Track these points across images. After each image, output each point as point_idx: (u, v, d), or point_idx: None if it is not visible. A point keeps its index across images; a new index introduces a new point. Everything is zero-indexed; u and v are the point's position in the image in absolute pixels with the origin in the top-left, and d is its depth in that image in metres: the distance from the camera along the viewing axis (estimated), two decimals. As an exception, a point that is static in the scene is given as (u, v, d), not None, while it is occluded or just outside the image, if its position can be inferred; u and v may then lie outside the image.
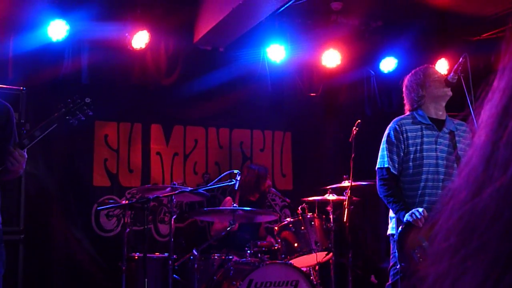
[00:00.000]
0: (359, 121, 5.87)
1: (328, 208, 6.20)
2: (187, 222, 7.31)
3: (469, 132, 4.41)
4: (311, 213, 6.01)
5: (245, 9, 6.26)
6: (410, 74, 4.54)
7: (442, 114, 4.36)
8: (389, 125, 4.36)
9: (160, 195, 5.69)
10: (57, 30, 6.39)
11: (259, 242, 6.02)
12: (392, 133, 4.28)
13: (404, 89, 4.49)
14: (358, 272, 7.21)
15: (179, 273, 5.65)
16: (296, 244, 5.76)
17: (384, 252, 7.14)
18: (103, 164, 7.10)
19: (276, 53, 7.32)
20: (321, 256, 5.82)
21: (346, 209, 5.86)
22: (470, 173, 0.67)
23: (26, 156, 3.57)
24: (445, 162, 4.21)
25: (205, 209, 6.33)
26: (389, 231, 4.31)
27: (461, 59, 4.41)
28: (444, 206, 0.69)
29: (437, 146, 4.22)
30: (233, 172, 5.38)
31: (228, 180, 5.29)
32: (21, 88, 5.62)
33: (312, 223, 5.82)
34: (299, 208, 6.10)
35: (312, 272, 5.94)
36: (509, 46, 0.70)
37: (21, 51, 6.40)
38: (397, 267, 4.00)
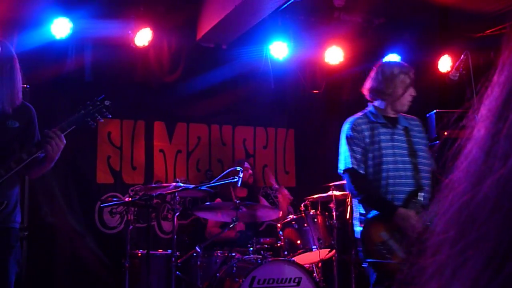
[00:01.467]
0: (362, 118, 5.85)
1: (331, 205, 6.20)
2: (190, 219, 7.33)
3: (421, 126, 4.42)
4: (314, 210, 6.02)
5: (247, 6, 6.27)
6: (392, 62, 4.51)
7: (395, 113, 4.30)
8: (345, 126, 4.24)
9: (163, 192, 5.71)
10: (60, 28, 6.41)
11: (262, 239, 6.04)
12: (351, 133, 4.17)
13: (377, 75, 4.33)
14: (361, 269, 7.21)
15: (182, 270, 5.67)
16: (299, 241, 5.77)
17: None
18: (107, 161, 7.13)
19: (279, 50, 7.33)
20: (324, 253, 5.83)
21: (349, 206, 5.87)
22: (470, 165, 0.68)
23: (65, 141, 3.57)
24: (402, 158, 4.16)
25: (208, 203, 6.34)
26: (357, 230, 4.21)
27: (462, 56, 4.40)
28: (442, 198, 0.70)
29: (394, 143, 4.17)
30: (236, 169, 5.40)
31: (231, 177, 5.31)
32: (25, 85, 5.61)
33: (315, 220, 5.83)
34: (302, 205, 6.11)
35: (315, 269, 5.95)
36: (509, 42, 0.71)
37: (24, 48, 6.39)
38: (364, 265, 4.01)
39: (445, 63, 7.87)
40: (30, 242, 5.69)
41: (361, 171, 4.10)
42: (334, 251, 5.94)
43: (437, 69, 7.93)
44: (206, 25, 7.06)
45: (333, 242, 5.84)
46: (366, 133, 4.16)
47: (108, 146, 7.16)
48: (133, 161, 7.27)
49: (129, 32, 6.80)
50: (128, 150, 7.26)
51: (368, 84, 4.38)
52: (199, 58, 7.48)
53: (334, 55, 7.69)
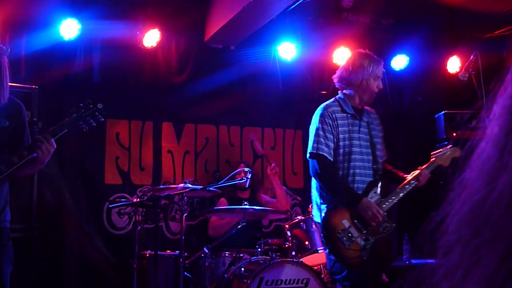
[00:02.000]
0: (370, 119, 5.84)
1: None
2: (198, 220, 7.33)
3: (379, 119, 4.55)
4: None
5: (256, 7, 6.26)
6: (363, 53, 4.47)
7: (361, 104, 4.40)
8: (320, 111, 4.30)
9: (171, 193, 5.71)
10: (69, 29, 6.42)
11: (269, 240, 6.03)
12: (326, 120, 4.24)
13: (347, 65, 4.41)
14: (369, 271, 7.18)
15: (190, 271, 5.67)
16: (307, 242, 5.75)
17: (395, 251, 7.12)
18: (115, 162, 7.14)
19: (287, 51, 7.32)
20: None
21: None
22: (484, 163, 0.68)
23: (55, 146, 3.54)
24: (366, 150, 4.31)
25: (215, 208, 6.35)
26: (317, 219, 4.30)
27: (471, 57, 4.40)
28: (454, 198, 0.70)
29: (360, 135, 4.31)
30: (244, 170, 5.39)
31: (239, 178, 5.30)
32: (34, 86, 5.66)
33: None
34: (310, 206, 6.09)
35: (323, 270, 5.93)
36: None
37: (33, 50, 6.43)
38: (326, 251, 4.12)
39: (454, 64, 7.84)
40: (38, 242, 5.70)
41: (330, 159, 4.17)
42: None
43: (446, 70, 7.90)
44: (214, 26, 7.06)
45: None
46: (340, 122, 4.26)
47: (117, 147, 7.17)
48: (141, 162, 7.28)
49: (138, 33, 6.81)
50: (136, 151, 7.28)
51: (338, 73, 4.46)
52: (207, 59, 7.48)
53: (342, 56, 7.66)
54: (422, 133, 7.76)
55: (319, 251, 5.66)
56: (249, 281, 5.09)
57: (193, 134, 7.59)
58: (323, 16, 7.61)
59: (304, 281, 5.23)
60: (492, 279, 0.60)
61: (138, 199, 6.03)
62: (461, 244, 0.65)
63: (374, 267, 4.17)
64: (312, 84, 7.96)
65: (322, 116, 4.25)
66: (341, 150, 4.22)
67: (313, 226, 5.73)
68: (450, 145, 4.63)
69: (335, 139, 4.20)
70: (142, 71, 7.14)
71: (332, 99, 4.42)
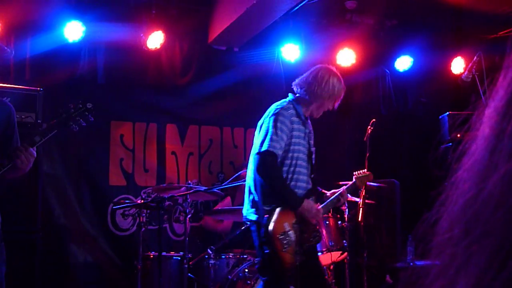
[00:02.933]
0: (374, 120, 5.84)
1: (343, 207, 6.18)
2: (202, 222, 7.34)
3: (312, 131, 4.55)
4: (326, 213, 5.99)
5: (259, 9, 6.27)
6: (336, 74, 4.46)
7: (309, 114, 4.45)
8: (279, 111, 4.25)
9: (175, 195, 5.73)
10: (73, 31, 6.44)
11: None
12: (284, 121, 4.21)
13: (318, 75, 4.40)
14: (373, 272, 7.18)
15: (194, 272, 5.68)
16: (311, 244, 5.74)
17: (400, 252, 7.12)
18: (119, 164, 7.16)
19: (291, 52, 7.32)
20: (335, 256, 5.81)
21: (361, 209, 5.84)
22: (475, 164, 0.70)
23: (35, 154, 3.53)
24: (307, 158, 4.36)
25: (219, 208, 6.35)
26: (251, 217, 4.26)
27: (475, 57, 4.40)
28: (447, 198, 0.71)
29: (304, 143, 4.35)
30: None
31: (243, 180, 5.31)
32: (38, 88, 5.68)
33: (327, 222, 5.81)
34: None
35: (326, 271, 5.93)
36: None
37: (38, 52, 6.46)
38: (266, 251, 4.08)
39: (458, 65, 7.83)
40: (43, 244, 5.72)
41: (278, 160, 4.17)
42: (346, 253, 5.92)
43: (450, 71, 7.89)
44: (218, 27, 7.07)
45: (345, 244, 5.82)
46: (295, 126, 4.27)
47: (121, 149, 7.19)
48: (145, 163, 7.30)
49: (141, 35, 6.83)
50: (140, 153, 7.29)
51: (304, 78, 4.45)
52: (211, 60, 7.49)
53: (346, 57, 7.67)
54: (426, 134, 7.76)
55: (325, 252, 5.65)
56: (252, 283, 5.10)
57: (197, 135, 7.60)
58: (327, 18, 7.61)
59: (308, 282, 5.22)
60: (482, 276, 0.61)
61: (142, 201, 6.04)
62: (452, 243, 0.67)
63: (302, 272, 4.18)
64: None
65: (282, 116, 4.22)
66: (290, 154, 4.23)
67: (317, 227, 5.72)
68: (366, 170, 4.88)
69: (287, 142, 4.21)
70: (146, 73, 7.17)
71: (286, 101, 4.39)
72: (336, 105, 4.46)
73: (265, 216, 4.07)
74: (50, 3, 6.45)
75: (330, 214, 5.95)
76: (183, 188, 5.83)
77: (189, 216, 5.68)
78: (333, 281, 5.93)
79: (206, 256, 5.67)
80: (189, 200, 5.67)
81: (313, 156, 4.51)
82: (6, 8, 6.23)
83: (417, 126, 8.23)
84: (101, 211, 6.97)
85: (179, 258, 5.71)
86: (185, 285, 5.47)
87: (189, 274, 5.54)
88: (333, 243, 5.70)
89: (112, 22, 6.68)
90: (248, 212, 4.26)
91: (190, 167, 7.51)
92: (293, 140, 4.23)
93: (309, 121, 4.49)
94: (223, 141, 7.72)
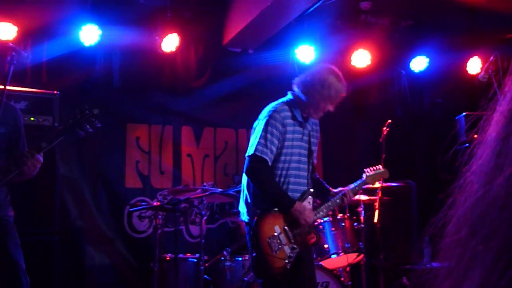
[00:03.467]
0: (389, 121, 5.83)
1: (359, 209, 6.17)
2: (218, 223, 7.35)
3: (319, 126, 4.51)
4: (341, 214, 5.98)
5: (274, 11, 6.28)
6: (336, 73, 4.34)
7: (308, 114, 4.34)
8: (271, 114, 4.20)
9: (191, 197, 5.75)
10: (89, 35, 6.49)
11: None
12: (277, 125, 4.16)
13: (318, 74, 4.30)
14: (390, 274, 7.16)
15: (210, 274, 5.69)
16: (326, 245, 5.74)
17: (416, 254, 7.08)
18: (135, 166, 7.19)
19: (306, 54, 7.32)
20: (352, 258, 5.80)
21: (377, 210, 5.83)
22: (481, 166, 0.71)
23: (42, 160, 3.55)
24: (304, 159, 4.28)
25: (235, 210, 6.36)
26: (244, 218, 4.24)
27: (491, 57, 4.35)
28: (455, 201, 0.72)
29: (301, 144, 4.27)
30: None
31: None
32: (55, 92, 5.73)
33: (343, 224, 5.79)
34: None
35: (342, 273, 5.92)
36: None
37: (54, 55, 6.52)
38: (253, 254, 4.07)
39: (474, 65, 7.78)
40: (60, 246, 5.76)
41: (269, 164, 4.12)
42: (362, 255, 5.90)
43: (466, 71, 7.83)
44: (233, 30, 7.09)
45: (361, 246, 5.80)
46: (288, 129, 4.20)
47: (137, 151, 7.23)
48: (161, 165, 7.33)
49: (157, 38, 6.86)
50: (156, 155, 7.32)
51: (302, 77, 4.36)
52: (226, 62, 7.51)
53: (361, 58, 7.65)
54: (442, 135, 7.71)
55: (341, 254, 5.65)
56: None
57: (212, 137, 7.62)
58: (342, 19, 7.60)
59: (324, 285, 5.22)
60: (488, 276, 0.62)
61: (158, 203, 6.08)
62: (460, 245, 0.67)
63: (295, 277, 4.15)
64: (331, 87, 7.94)
65: (274, 119, 4.16)
66: (283, 157, 4.18)
67: (333, 229, 5.72)
68: (381, 167, 4.72)
69: (279, 146, 4.16)
70: (162, 76, 7.21)
71: (282, 101, 4.33)
72: (334, 107, 4.33)
73: (254, 218, 4.06)
74: (66, 7, 6.51)
75: (346, 216, 5.94)
76: (198, 190, 5.85)
77: (204, 218, 5.70)
78: (349, 283, 5.91)
79: (222, 258, 5.69)
80: (205, 202, 5.70)
81: (314, 154, 4.42)
82: (23, 13, 6.29)
83: (433, 127, 8.19)
84: (118, 213, 7.01)
85: (195, 260, 5.73)
86: (201, 287, 5.48)
87: (205, 276, 5.56)
88: (349, 245, 5.69)
89: (127, 25, 6.73)
90: (242, 213, 4.27)
91: (205, 169, 7.53)
92: (286, 143, 4.17)
93: (311, 120, 4.40)
94: (238, 143, 7.73)
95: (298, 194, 4.22)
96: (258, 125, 4.25)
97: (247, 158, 4.14)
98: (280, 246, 4.01)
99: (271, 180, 4.13)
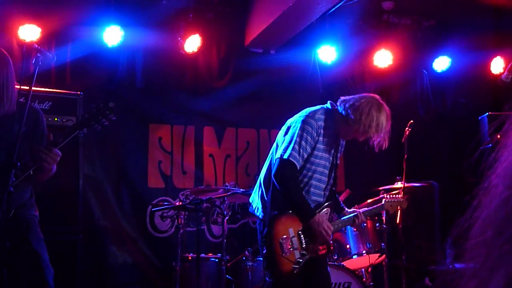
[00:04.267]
0: (411, 121, 5.80)
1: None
2: (239, 223, 7.37)
3: (344, 145, 4.51)
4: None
5: (295, 11, 6.28)
6: (381, 106, 4.23)
7: (340, 133, 4.33)
8: (308, 119, 4.16)
9: (213, 197, 5.77)
10: (112, 35, 6.55)
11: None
12: (312, 132, 4.13)
13: (364, 104, 4.19)
14: (412, 275, 7.12)
15: (231, 273, 5.71)
16: (348, 246, 5.73)
17: (439, 255, 7.03)
18: (158, 166, 7.24)
19: (327, 54, 7.31)
20: (373, 258, 5.78)
21: (399, 211, 5.80)
22: (506, 169, 0.71)
23: (60, 153, 3.56)
24: (326, 172, 4.26)
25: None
26: (259, 213, 4.24)
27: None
28: (480, 203, 0.72)
29: (329, 156, 4.24)
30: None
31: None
32: (79, 92, 5.78)
33: (365, 224, 5.77)
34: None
35: (364, 274, 5.90)
36: None
37: (78, 56, 6.59)
38: (264, 252, 4.05)
39: (497, 65, 7.71)
40: (84, 245, 5.82)
41: (298, 170, 4.11)
42: (384, 256, 5.88)
43: (490, 71, 7.77)
44: (255, 30, 7.10)
45: (383, 246, 5.78)
46: (321, 139, 4.17)
47: (159, 151, 7.27)
48: (183, 165, 7.37)
49: (179, 39, 6.90)
50: (178, 155, 7.36)
51: (352, 98, 4.28)
52: (248, 63, 7.52)
53: (383, 58, 7.62)
54: (466, 136, 7.66)
55: (363, 254, 5.63)
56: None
57: (234, 138, 7.64)
58: (364, 19, 7.57)
59: (346, 285, 5.22)
60: None
61: (180, 203, 6.11)
62: (486, 245, 0.68)
63: (307, 281, 4.13)
64: (353, 87, 7.92)
65: (310, 125, 4.13)
66: (308, 165, 4.16)
67: (354, 229, 5.70)
68: (402, 195, 4.78)
69: (309, 153, 4.15)
70: (184, 76, 7.24)
71: (321, 108, 4.29)
72: (364, 137, 4.27)
73: (271, 216, 4.06)
74: (89, 8, 6.57)
75: (368, 216, 5.92)
76: (220, 190, 5.87)
77: (226, 218, 5.72)
78: (371, 283, 5.89)
79: (244, 258, 5.70)
80: (226, 202, 5.72)
81: (335, 170, 4.41)
82: (47, 14, 6.37)
83: (456, 127, 8.12)
84: (140, 213, 7.06)
85: (217, 259, 5.75)
86: (223, 287, 5.51)
87: (227, 275, 5.58)
88: (371, 246, 5.67)
89: (150, 26, 6.78)
90: (256, 207, 4.27)
91: (227, 169, 7.55)
92: (315, 152, 4.16)
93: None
94: (260, 143, 7.74)
95: (312, 204, 4.21)
96: (293, 126, 4.21)
97: (277, 160, 4.11)
98: (291, 249, 4.01)
99: (297, 187, 4.12)
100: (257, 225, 4.30)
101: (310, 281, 4.16)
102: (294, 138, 4.10)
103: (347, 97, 4.33)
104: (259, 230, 4.22)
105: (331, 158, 4.29)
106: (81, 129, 3.51)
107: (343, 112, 4.23)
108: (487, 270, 0.66)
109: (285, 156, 4.06)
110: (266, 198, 4.21)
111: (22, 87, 3.50)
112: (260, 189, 4.30)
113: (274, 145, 4.37)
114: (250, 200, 4.42)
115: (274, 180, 4.12)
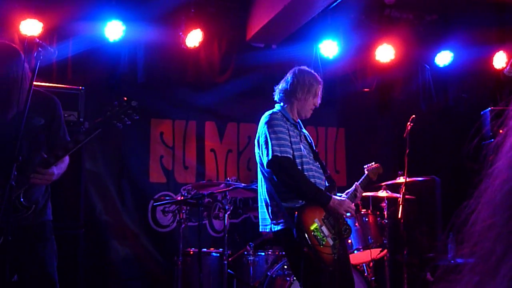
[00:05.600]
0: (413, 116, 5.79)
1: (383, 204, 6.15)
2: (241, 218, 7.38)
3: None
4: (365, 210, 5.97)
5: (297, 5, 6.26)
6: (306, 70, 4.45)
7: (298, 117, 4.37)
8: (269, 118, 4.19)
9: (215, 191, 5.77)
10: (113, 30, 6.54)
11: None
12: (281, 124, 4.14)
13: (293, 79, 4.38)
14: (414, 270, 7.12)
15: (233, 268, 5.72)
16: (350, 241, 5.73)
17: (440, 249, 7.03)
18: (159, 161, 7.24)
19: (329, 48, 7.30)
20: (375, 253, 5.78)
21: (401, 206, 5.80)
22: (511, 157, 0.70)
23: (54, 173, 3.54)
24: (312, 159, 4.24)
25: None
26: (277, 228, 4.11)
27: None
28: (484, 189, 0.72)
29: (303, 145, 4.23)
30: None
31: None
32: (80, 87, 5.78)
33: (366, 219, 5.78)
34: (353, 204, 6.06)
35: (366, 269, 5.91)
36: None
37: (79, 51, 6.58)
38: (304, 250, 3.95)
39: (500, 59, 7.69)
40: (86, 239, 5.83)
41: (292, 159, 4.06)
42: (385, 251, 5.89)
43: (492, 65, 7.75)
44: (256, 25, 7.09)
45: (384, 241, 5.78)
46: (290, 127, 4.18)
47: (161, 146, 7.28)
48: (185, 160, 7.37)
49: (180, 33, 6.89)
50: (180, 150, 7.37)
51: (281, 85, 4.45)
52: (249, 58, 7.50)
53: (385, 53, 7.61)
54: (468, 130, 7.64)
55: (365, 249, 5.63)
56: (292, 279, 5.10)
57: (235, 133, 7.64)
58: (366, 13, 7.55)
59: (347, 279, 5.21)
60: None
61: (182, 198, 6.11)
62: (494, 231, 0.67)
63: (339, 268, 4.13)
64: (354, 82, 7.92)
65: (275, 120, 4.15)
66: (296, 153, 4.12)
67: (356, 224, 5.70)
68: (376, 163, 4.88)
69: (290, 142, 4.14)
70: (185, 71, 7.23)
71: (273, 110, 4.34)
72: (319, 99, 4.39)
73: (295, 215, 4.02)
74: (90, 3, 6.56)
75: (369, 211, 5.93)
76: (222, 185, 5.87)
77: (228, 212, 5.72)
78: (373, 278, 5.89)
79: (245, 253, 5.71)
80: (228, 197, 5.72)
81: (319, 156, 4.42)
82: (48, 9, 6.36)
83: (458, 122, 8.10)
84: (142, 208, 7.07)
85: (219, 254, 5.76)
86: (225, 281, 5.51)
87: (229, 270, 5.58)
88: (372, 240, 5.67)
89: (151, 21, 6.76)
90: (271, 225, 4.15)
91: (229, 164, 7.55)
92: (292, 139, 4.14)
93: (300, 123, 4.41)
94: (261, 138, 7.72)
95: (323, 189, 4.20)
96: (261, 136, 4.19)
97: (269, 163, 4.03)
98: (324, 238, 3.99)
99: (303, 176, 4.05)
100: (281, 238, 4.17)
101: (343, 265, 4.15)
102: (270, 137, 4.07)
103: (276, 90, 4.50)
104: (286, 238, 4.09)
105: (307, 146, 4.30)
106: (103, 127, 3.48)
107: (283, 98, 4.37)
108: (497, 253, 0.66)
109: (274, 154, 4.00)
110: (275, 210, 4.12)
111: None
112: (269, 208, 4.18)
113: (258, 162, 4.33)
114: (266, 230, 4.28)
115: (282, 183, 4.05)
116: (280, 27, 6.99)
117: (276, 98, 4.45)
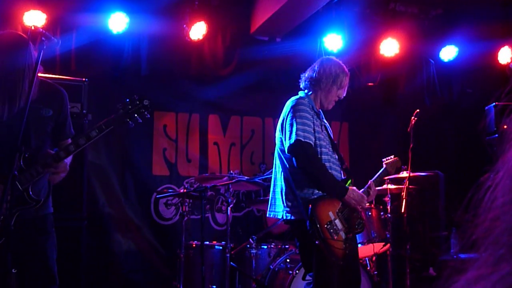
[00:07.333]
0: (417, 110, 5.77)
1: (386, 198, 6.13)
2: (244, 211, 7.38)
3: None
4: (368, 204, 5.95)
5: (302, -1, 6.24)
6: (334, 60, 4.41)
7: (320, 107, 4.34)
8: (296, 102, 4.17)
9: (218, 185, 5.77)
10: (117, 22, 6.52)
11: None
12: (307, 109, 4.12)
13: (319, 68, 4.33)
14: (416, 264, 7.11)
15: (235, 261, 5.72)
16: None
17: (443, 244, 7.02)
18: (162, 154, 7.24)
19: (333, 42, 7.27)
20: (378, 247, 5.77)
21: (404, 200, 5.79)
22: None
23: (66, 162, 3.55)
24: (331, 150, 4.23)
25: (261, 198, 6.37)
26: (292, 217, 4.08)
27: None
28: (498, 170, 0.72)
29: (323, 136, 4.20)
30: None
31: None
32: (83, 79, 5.77)
33: (369, 213, 5.76)
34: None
35: (369, 263, 5.90)
36: None
37: (83, 43, 6.57)
38: (316, 242, 3.93)
39: (505, 55, 7.66)
40: (89, 232, 5.83)
41: (313, 146, 4.05)
42: (388, 245, 5.87)
43: (497, 60, 7.72)
44: (260, 18, 7.07)
45: (387, 236, 5.77)
46: (312, 118, 4.15)
47: (164, 139, 7.27)
48: (188, 153, 7.37)
49: (184, 26, 6.87)
50: (183, 143, 7.36)
51: (307, 73, 4.39)
52: (253, 51, 7.49)
53: (390, 47, 7.58)
54: (472, 126, 7.62)
55: (368, 243, 5.62)
56: (294, 273, 5.10)
57: (239, 126, 7.63)
58: (370, 7, 7.52)
59: (350, 273, 5.20)
60: None
61: (185, 190, 6.10)
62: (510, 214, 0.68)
63: (350, 263, 4.11)
64: (359, 76, 7.89)
65: (302, 105, 4.13)
66: (317, 142, 4.10)
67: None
68: (395, 156, 4.87)
69: (313, 129, 4.12)
70: (189, 64, 7.22)
71: (300, 95, 4.33)
72: (344, 91, 4.36)
73: (309, 207, 3.99)
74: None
75: (372, 205, 5.91)
76: (225, 178, 5.86)
77: (231, 206, 5.71)
78: (375, 272, 5.89)
79: (248, 246, 5.71)
80: (231, 190, 5.71)
81: (338, 147, 4.40)
82: (53, 0, 6.34)
83: (463, 117, 8.09)
84: (145, 201, 7.07)
85: (221, 247, 5.76)
86: (227, 274, 5.51)
87: (231, 263, 5.58)
88: (375, 235, 5.65)
89: (155, 13, 6.74)
90: (283, 212, 4.13)
91: (232, 158, 7.55)
92: (315, 128, 4.13)
93: (322, 114, 4.37)
94: (265, 131, 7.73)
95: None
96: (286, 120, 4.16)
97: (290, 147, 4.01)
98: (338, 231, 3.99)
99: (323, 165, 4.04)
100: (295, 227, 4.16)
101: (352, 260, 4.14)
102: (294, 122, 4.05)
103: (302, 77, 4.43)
104: (299, 229, 4.07)
105: (327, 137, 4.26)
106: (115, 125, 3.48)
107: (308, 86, 4.32)
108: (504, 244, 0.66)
109: (297, 138, 3.97)
110: (291, 198, 4.09)
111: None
112: (284, 195, 4.13)
113: (277, 148, 4.32)
114: (280, 216, 4.23)
115: (301, 168, 4.01)
116: (284, 20, 6.97)
117: (301, 85, 4.41)
